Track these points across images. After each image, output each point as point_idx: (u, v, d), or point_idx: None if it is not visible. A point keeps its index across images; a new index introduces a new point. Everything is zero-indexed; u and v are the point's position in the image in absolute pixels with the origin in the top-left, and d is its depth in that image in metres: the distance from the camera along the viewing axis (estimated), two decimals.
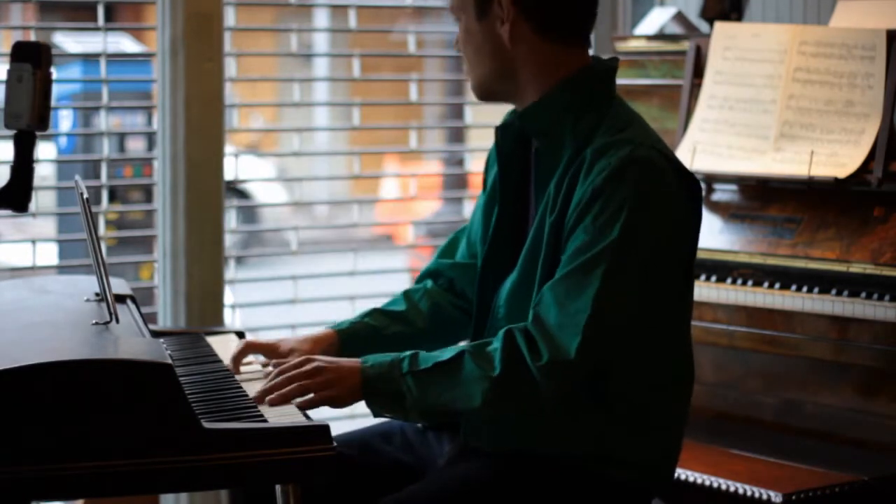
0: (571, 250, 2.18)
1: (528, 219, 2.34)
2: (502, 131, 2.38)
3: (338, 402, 2.18)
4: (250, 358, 2.43)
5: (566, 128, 2.26)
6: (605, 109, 2.27)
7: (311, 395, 2.16)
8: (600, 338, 2.15)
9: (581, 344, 2.13)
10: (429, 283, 2.55)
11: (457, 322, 2.50)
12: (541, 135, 2.30)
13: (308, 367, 2.20)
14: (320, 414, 2.26)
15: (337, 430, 2.13)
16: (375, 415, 2.27)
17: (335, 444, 1.95)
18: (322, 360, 2.22)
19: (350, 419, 3.44)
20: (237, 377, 2.31)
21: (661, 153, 2.24)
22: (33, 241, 3.55)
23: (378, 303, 2.58)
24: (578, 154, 2.22)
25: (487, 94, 2.35)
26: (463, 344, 2.26)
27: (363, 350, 2.35)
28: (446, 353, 2.20)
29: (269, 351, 2.41)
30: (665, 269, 2.23)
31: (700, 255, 3.16)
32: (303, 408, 2.13)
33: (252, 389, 2.19)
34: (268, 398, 2.15)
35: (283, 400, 2.14)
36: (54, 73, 2.13)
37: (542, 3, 2.27)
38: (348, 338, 2.45)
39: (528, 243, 2.28)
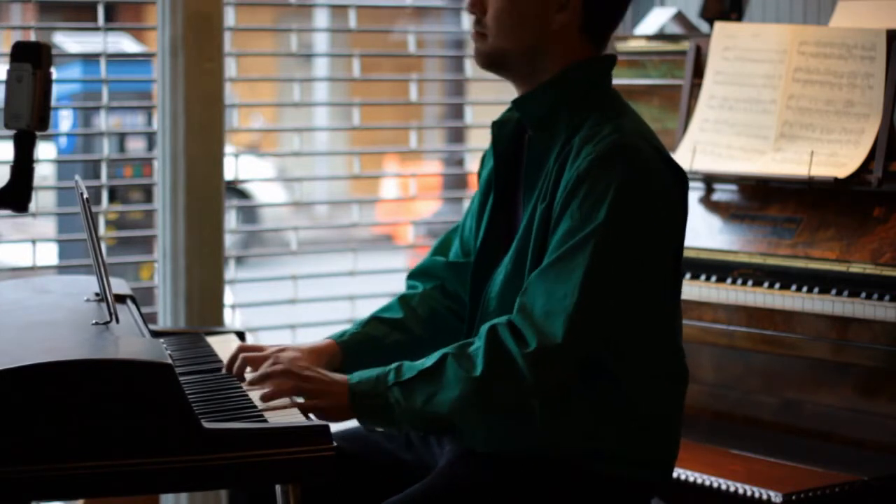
0: (558, 237, 2.18)
1: (520, 210, 2.32)
2: (499, 127, 2.38)
3: (324, 414, 2.16)
4: None
5: (560, 118, 2.26)
6: (598, 102, 2.27)
7: (303, 400, 2.16)
8: (588, 323, 2.14)
9: (569, 330, 2.12)
10: (420, 286, 2.53)
11: (453, 327, 2.47)
12: (535, 123, 2.30)
13: (305, 372, 2.20)
14: None
15: (338, 426, 2.13)
16: (368, 430, 2.26)
17: (335, 443, 1.96)
18: (313, 369, 2.22)
19: None
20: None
21: (648, 142, 2.23)
22: (33, 241, 3.54)
23: (378, 303, 2.57)
24: (568, 142, 2.23)
25: (496, 66, 2.30)
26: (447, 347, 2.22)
27: (365, 360, 2.34)
28: (430, 360, 2.19)
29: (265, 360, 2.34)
30: (653, 255, 2.21)
31: (700, 255, 3.18)
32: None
33: (252, 390, 2.19)
34: (263, 392, 2.15)
35: (280, 393, 2.14)
36: (54, 73, 2.13)
37: (608, 4, 2.27)
38: (350, 349, 2.42)
39: (519, 233, 2.27)
